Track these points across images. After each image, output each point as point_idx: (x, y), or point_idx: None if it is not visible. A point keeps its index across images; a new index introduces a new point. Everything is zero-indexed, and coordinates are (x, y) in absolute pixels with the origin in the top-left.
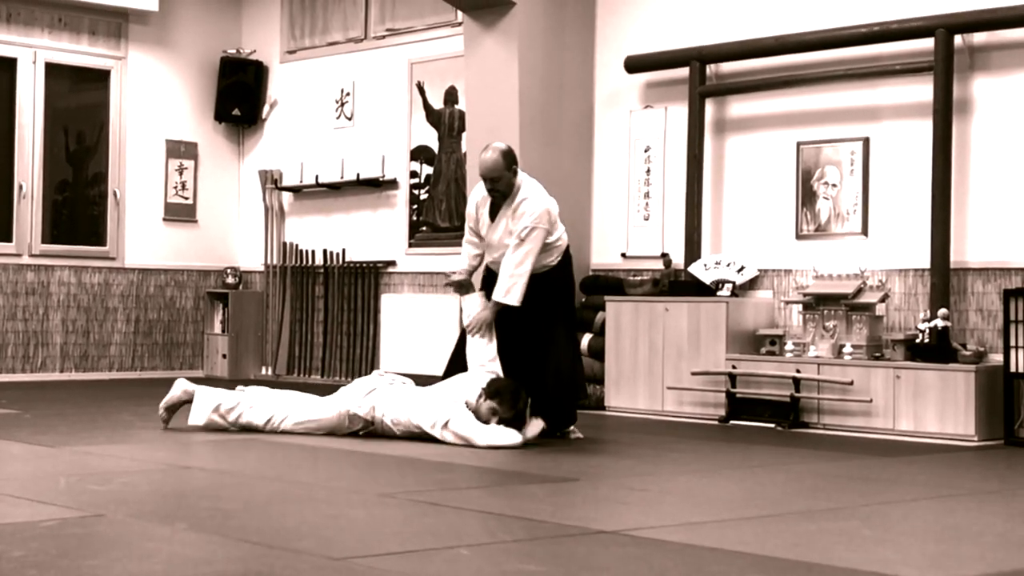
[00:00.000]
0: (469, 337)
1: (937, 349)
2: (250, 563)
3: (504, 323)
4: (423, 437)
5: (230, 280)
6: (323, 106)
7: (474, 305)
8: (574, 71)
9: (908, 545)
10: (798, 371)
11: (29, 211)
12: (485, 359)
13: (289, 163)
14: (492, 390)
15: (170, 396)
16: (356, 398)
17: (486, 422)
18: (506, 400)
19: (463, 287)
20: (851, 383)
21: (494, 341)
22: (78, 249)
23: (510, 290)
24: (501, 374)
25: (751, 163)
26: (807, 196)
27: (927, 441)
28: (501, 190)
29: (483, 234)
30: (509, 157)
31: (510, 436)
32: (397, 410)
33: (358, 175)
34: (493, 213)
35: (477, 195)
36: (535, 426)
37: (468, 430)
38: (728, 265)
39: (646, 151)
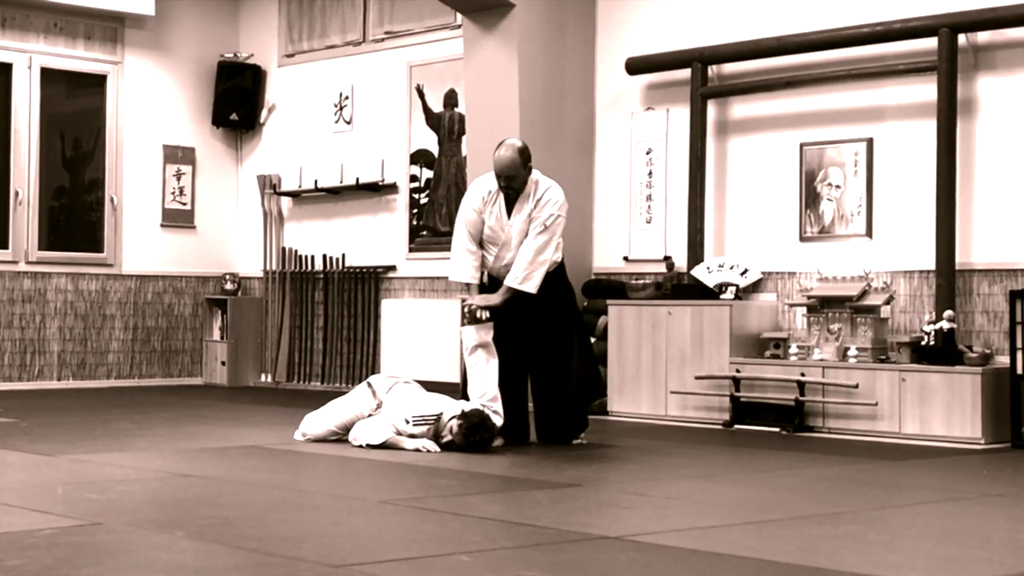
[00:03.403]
0: (464, 324)
1: (943, 351)
2: (249, 571)
3: (518, 328)
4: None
5: (229, 286)
6: (322, 110)
7: (473, 336)
8: (575, 73)
9: (915, 549)
10: (803, 374)
11: (25, 217)
12: (483, 380)
13: (288, 168)
14: (463, 415)
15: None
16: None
17: (444, 434)
18: (463, 431)
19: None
20: (856, 386)
21: (495, 360)
22: (75, 256)
23: (529, 277)
24: (501, 412)
25: (754, 165)
26: (810, 198)
27: (933, 444)
28: (516, 188)
29: (493, 232)
30: (525, 154)
31: (376, 435)
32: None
33: (357, 179)
34: (508, 210)
35: (480, 192)
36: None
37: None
38: (731, 268)
39: (648, 153)
